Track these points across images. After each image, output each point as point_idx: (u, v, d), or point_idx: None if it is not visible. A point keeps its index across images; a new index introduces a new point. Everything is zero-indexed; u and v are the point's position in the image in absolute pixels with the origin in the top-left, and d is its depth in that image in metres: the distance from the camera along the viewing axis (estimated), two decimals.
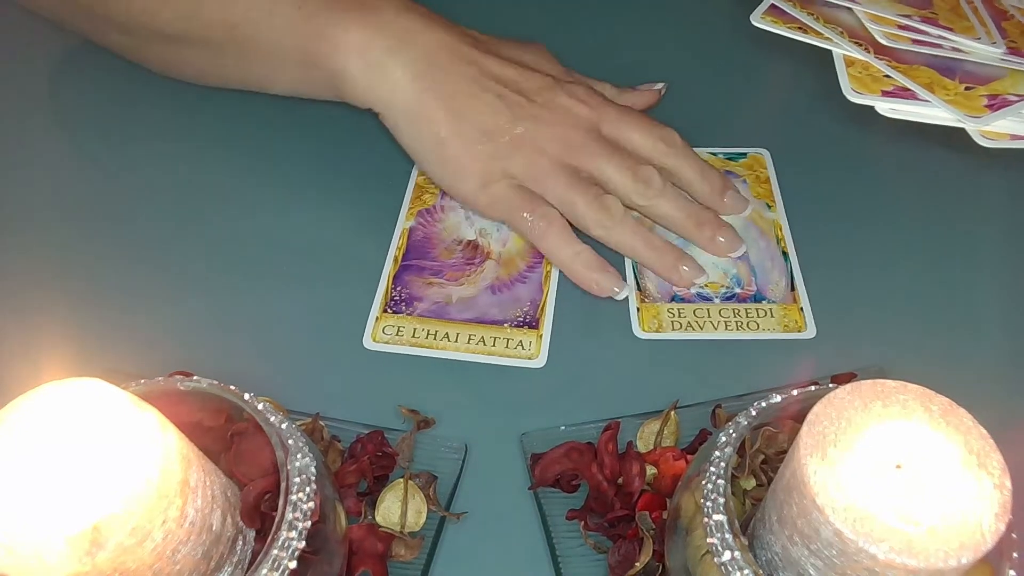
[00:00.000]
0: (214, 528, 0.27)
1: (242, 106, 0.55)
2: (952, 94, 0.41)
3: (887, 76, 0.42)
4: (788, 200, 0.51)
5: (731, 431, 0.31)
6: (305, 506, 0.29)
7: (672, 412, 0.39)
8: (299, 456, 0.30)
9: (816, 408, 0.26)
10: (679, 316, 0.45)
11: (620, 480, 0.37)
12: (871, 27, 0.42)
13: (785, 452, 0.29)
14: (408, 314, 0.45)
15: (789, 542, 0.27)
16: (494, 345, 0.44)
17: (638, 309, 0.46)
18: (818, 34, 0.43)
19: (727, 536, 0.28)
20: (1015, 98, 0.40)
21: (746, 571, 0.27)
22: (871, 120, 0.56)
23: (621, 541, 0.36)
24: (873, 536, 0.24)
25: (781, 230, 0.50)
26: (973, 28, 0.42)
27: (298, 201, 0.51)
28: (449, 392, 0.43)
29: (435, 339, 0.44)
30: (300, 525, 0.28)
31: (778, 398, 0.31)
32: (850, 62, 0.43)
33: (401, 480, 0.37)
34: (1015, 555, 0.27)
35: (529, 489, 0.39)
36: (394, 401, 0.41)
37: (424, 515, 0.37)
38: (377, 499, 0.37)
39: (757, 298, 0.46)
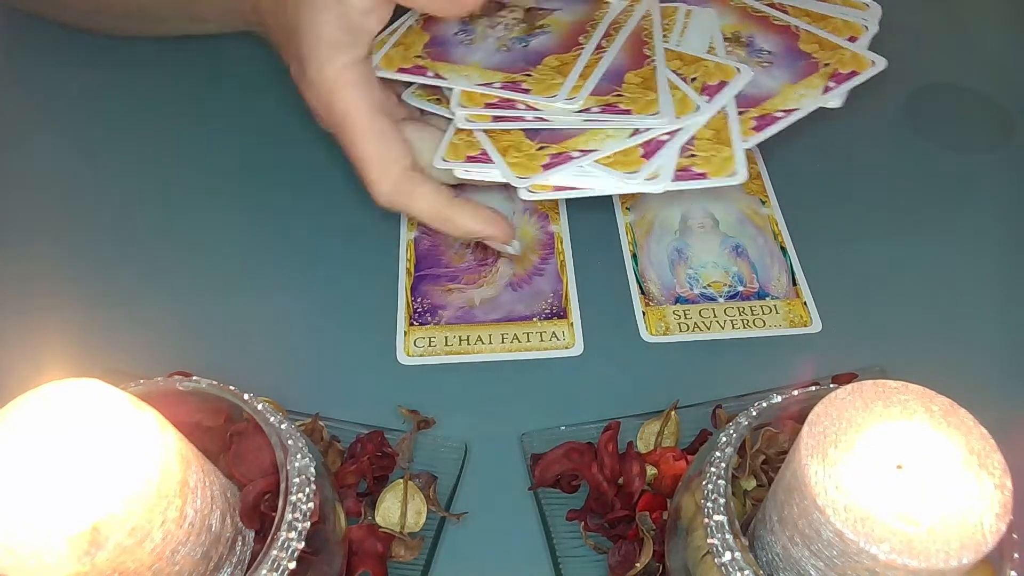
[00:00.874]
0: (213, 528, 0.27)
1: (242, 109, 0.55)
2: (522, 156, 0.41)
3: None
4: (781, 195, 0.51)
5: (731, 431, 0.31)
6: (305, 507, 0.29)
7: (672, 412, 0.39)
8: (299, 456, 0.30)
9: (817, 409, 0.26)
10: (685, 317, 0.45)
11: (620, 480, 0.37)
12: (458, 111, 0.41)
13: (786, 452, 0.29)
14: (435, 324, 0.45)
15: (790, 543, 0.27)
16: (528, 340, 0.44)
17: (643, 312, 0.46)
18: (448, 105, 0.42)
19: (728, 537, 0.28)
20: (577, 154, 0.40)
21: (747, 572, 0.27)
22: (862, 113, 0.56)
23: (621, 542, 0.36)
24: (874, 537, 0.24)
25: (777, 225, 0.50)
26: (558, 85, 0.41)
27: (300, 202, 0.51)
28: (450, 392, 0.43)
29: (468, 344, 0.44)
30: (300, 526, 0.28)
31: (779, 398, 0.31)
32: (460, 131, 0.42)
33: (401, 480, 0.37)
34: (1016, 555, 0.27)
35: (529, 489, 0.39)
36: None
37: (424, 515, 0.37)
38: (377, 499, 0.37)
39: (760, 295, 0.46)
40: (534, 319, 0.45)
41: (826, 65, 0.44)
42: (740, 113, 0.41)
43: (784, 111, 0.42)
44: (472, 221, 0.41)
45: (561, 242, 0.49)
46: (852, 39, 0.45)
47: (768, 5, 0.48)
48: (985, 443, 0.25)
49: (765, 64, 0.44)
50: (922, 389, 0.27)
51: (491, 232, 0.41)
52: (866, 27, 0.46)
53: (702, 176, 0.39)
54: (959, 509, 0.24)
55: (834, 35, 0.46)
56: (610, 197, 0.51)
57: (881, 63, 0.43)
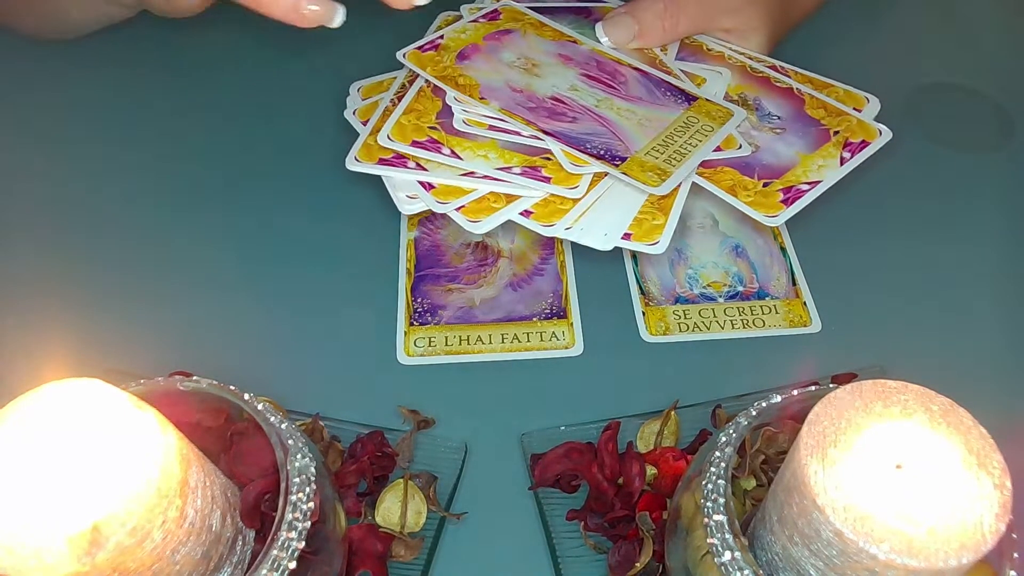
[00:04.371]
0: (214, 528, 0.27)
1: (243, 110, 0.55)
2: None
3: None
4: None
5: (731, 431, 0.31)
6: (305, 506, 0.29)
7: (672, 412, 0.39)
8: (299, 456, 0.30)
9: (817, 408, 0.26)
10: (685, 317, 0.45)
11: (620, 480, 0.37)
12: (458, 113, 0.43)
13: (785, 452, 0.29)
14: (435, 324, 0.45)
15: (789, 542, 0.27)
16: (528, 340, 0.44)
17: (643, 312, 0.46)
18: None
19: (727, 536, 0.28)
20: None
21: (746, 571, 0.27)
22: None
23: (621, 541, 0.36)
24: (873, 536, 0.24)
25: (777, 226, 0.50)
26: (577, 178, 0.42)
27: (300, 202, 0.51)
28: (450, 392, 0.43)
29: (468, 344, 0.44)
30: (300, 525, 0.28)
31: (778, 398, 0.31)
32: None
33: (401, 480, 0.37)
34: (1015, 555, 0.27)
35: (529, 489, 0.39)
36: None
37: (424, 515, 0.37)
38: (377, 499, 0.37)
39: (760, 295, 0.46)
40: (534, 319, 0.45)
41: (836, 132, 0.45)
42: (765, 185, 0.42)
43: (808, 183, 0.43)
44: None
45: (561, 242, 0.49)
46: (856, 109, 0.46)
47: (769, 67, 0.48)
48: (985, 443, 0.25)
49: (778, 131, 0.45)
50: (922, 389, 0.27)
51: None
52: (868, 99, 0.46)
53: (627, 237, 0.40)
54: (959, 509, 0.24)
55: (839, 103, 0.46)
56: None
57: (887, 134, 0.44)
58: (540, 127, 0.43)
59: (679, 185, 0.41)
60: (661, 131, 0.43)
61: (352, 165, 0.42)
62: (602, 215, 0.41)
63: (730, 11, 0.49)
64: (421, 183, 0.42)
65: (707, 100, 0.45)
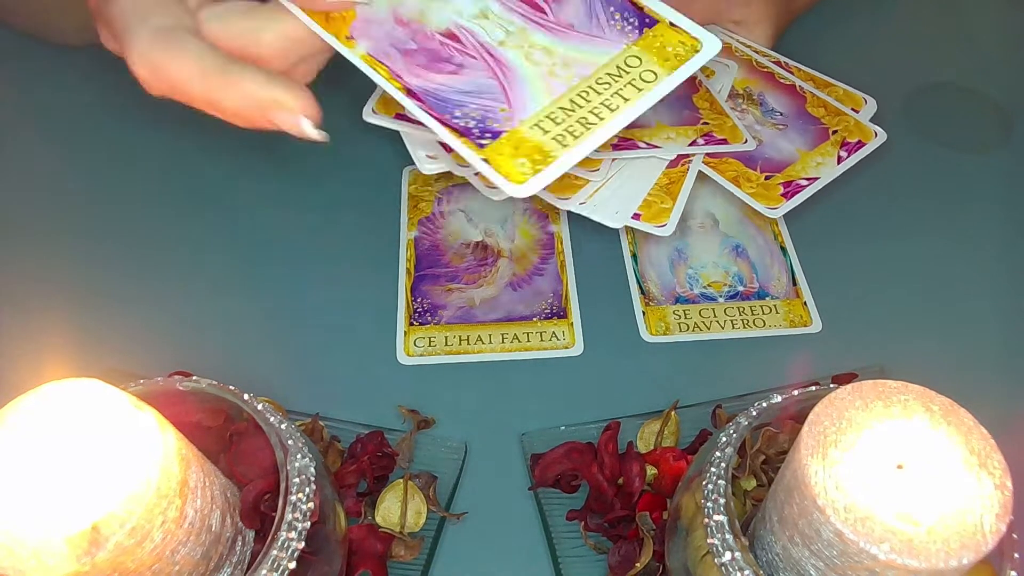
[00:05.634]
0: (213, 528, 0.27)
1: None
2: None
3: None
4: None
5: (732, 431, 0.31)
6: (304, 507, 0.29)
7: (672, 412, 0.39)
8: (298, 456, 0.30)
9: (817, 408, 0.26)
10: (685, 317, 0.45)
11: (620, 480, 0.37)
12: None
13: (786, 452, 0.29)
14: (435, 324, 0.45)
15: (790, 543, 0.27)
16: (528, 340, 0.45)
17: (643, 312, 0.46)
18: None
19: (728, 537, 0.28)
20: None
21: (746, 572, 0.27)
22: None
23: (621, 541, 0.36)
24: (874, 536, 0.24)
25: (777, 225, 0.50)
26: None
27: (299, 202, 0.51)
28: (450, 392, 0.43)
29: (468, 344, 0.44)
30: (299, 526, 0.28)
31: (779, 398, 0.31)
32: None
33: (401, 480, 0.37)
34: (1016, 555, 0.27)
35: (529, 489, 0.39)
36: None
37: (424, 515, 0.37)
38: (377, 499, 0.37)
39: (760, 295, 0.46)
40: (534, 319, 0.45)
41: (834, 132, 0.45)
42: (767, 178, 0.42)
43: (807, 179, 0.43)
44: (255, 85, 0.33)
45: (561, 242, 0.49)
46: (854, 110, 0.47)
47: (774, 62, 0.49)
48: (985, 443, 0.25)
49: (780, 127, 0.46)
50: (922, 389, 0.27)
51: (284, 98, 0.33)
52: (866, 100, 0.47)
53: (636, 217, 0.40)
54: (959, 509, 0.24)
55: (838, 102, 0.47)
56: None
57: (882, 136, 0.45)
58: (404, 83, 0.31)
59: (655, 171, 0.39)
60: (577, 83, 0.31)
61: (369, 117, 0.38)
62: (615, 193, 0.40)
63: (741, 3, 0.50)
64: (441, 143, 0.36)
65: (672, 25, 0.32)
